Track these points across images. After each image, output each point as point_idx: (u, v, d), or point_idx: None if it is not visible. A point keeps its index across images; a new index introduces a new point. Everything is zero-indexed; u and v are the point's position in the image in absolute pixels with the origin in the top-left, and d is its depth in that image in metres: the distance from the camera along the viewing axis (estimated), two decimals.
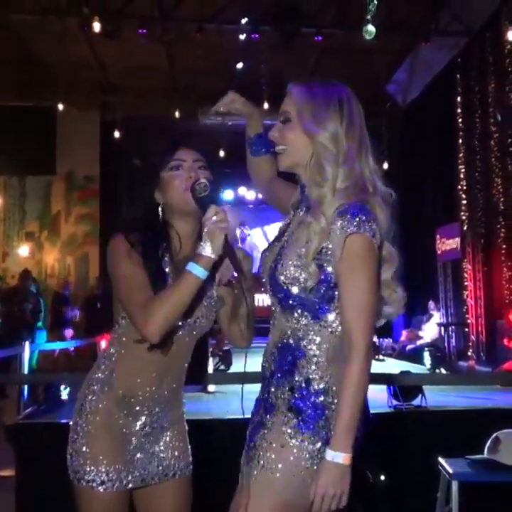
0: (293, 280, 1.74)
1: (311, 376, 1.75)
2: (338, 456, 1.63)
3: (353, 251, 1.67)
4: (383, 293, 1.80)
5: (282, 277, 1.75)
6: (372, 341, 1.72)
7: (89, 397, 1.93)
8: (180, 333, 1.93)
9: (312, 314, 1.76)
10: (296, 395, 1.75)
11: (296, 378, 1.76)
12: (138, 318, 1.79)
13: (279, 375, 1.78)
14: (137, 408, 1.91)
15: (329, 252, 1.71)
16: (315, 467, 1.69)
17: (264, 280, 1.88)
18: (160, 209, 1.97)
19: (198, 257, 1.77)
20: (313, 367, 1.75)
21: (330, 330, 1.76)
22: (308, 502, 1.70)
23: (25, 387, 5.66)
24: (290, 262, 1.75)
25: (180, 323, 1.90)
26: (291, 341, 1.78)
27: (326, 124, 1.75)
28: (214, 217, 1.75)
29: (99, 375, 1.94)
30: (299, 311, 1.76)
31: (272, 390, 1.79)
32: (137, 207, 2.03)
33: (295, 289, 1.74)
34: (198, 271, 1.76)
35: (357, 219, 1.67)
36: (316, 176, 1.77)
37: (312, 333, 1.76)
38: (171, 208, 1.96)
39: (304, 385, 1.75)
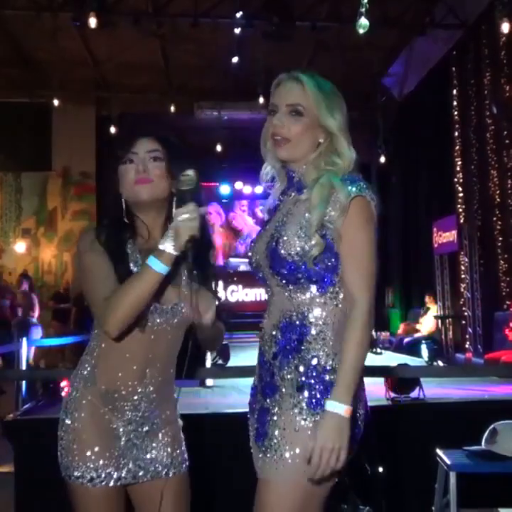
0: (299, 251, 1.75)
1: (318, 353, 1.75)
2: (340, 408, 1.65)
3: (357, 212, 1.74)
4: None
5: (286, 249, 1.76)
6: (374, 301, 1.74)
7: (74, 394, 1.91)
8: (158, 320, 1.89)
9: (317, 286, 1.77)
10: (305, 374, 1.74)
11: (304, 356, 1.75)
12: (97, 314, 1.80)
13: (283, 356, 1.77)
14: (121, 403, 1.88)
15: (331, 221, 1.74)
16: None
17: (256, 265, 1.89)
18: (124, 201, 1.96)
19: (159, 251, 1.75)
20: (321, 343, 1.75)
21: (335, 303, 1.77)
22: (328, 484, 1.72)
23: (24, 383, 5.66)
24: (293, 235, 1.77)
25: (157, 311, 1.88)
26: (295, 319, 1.78)
27: (337, 116, 1.83)
28: (184, 215, 1.72)
29: (82, 371, 1.92)
30: (305, 284, 1.77)
31: (276, 371, 1.78)
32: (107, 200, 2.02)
33: (301, 260, 1.75)
34: (157, 266, 1.74)
35: (358, 184, 1.76)
36: (328, 161, 1.82)
37: (318, 307, 1.77)
38: (126, 200, 1.95)
39: (312, 362, 1.74)
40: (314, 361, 1.74)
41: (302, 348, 1.76)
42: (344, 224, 1.73)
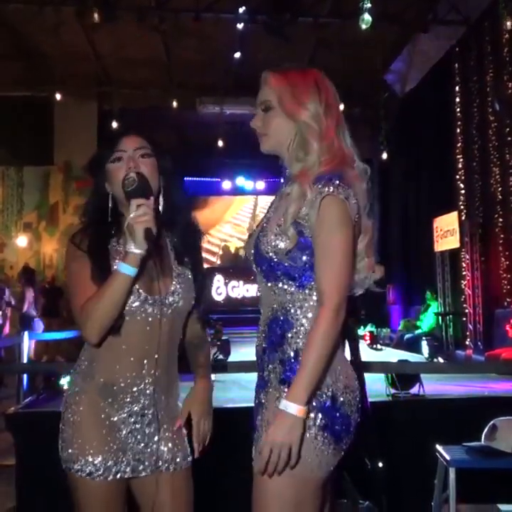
0: (274, 248, 1.78)
1: (299, 347, 1.77)
2: (291, 407, 1.66)
3: (327, 212, 1.73)
4: (357, 263, 1.86)
5: (264, 247, 1.80)
6: (345, 303, 1.72)
7: (73, 388, 1.93)
8: (151, 312, 1.91)
9: (297, 283, 1.80)
10: (287, 368, 1.77)
11: (286, 350, 1.78)
12: (77, 321, 1.84)
13: (270, 351, 1.82)
14: (121, 396, 1.90)
15: (306, 218, 1.75)
16: (315, 436, 1.72)
17: (248, 262, 1.92)
18: (110, 199, 1.97)
19: (125, 254, 1.79)
20: (301, 337, 1.77)
21: (314, 298, 1.78)
22: (320, 473, 1.74)
23: (25, 376, 5.68)
24: (271, 232, 1.80)
25: (149, 302, 1.90)
26: (279, 314, 1.81)
27: (307, 104, 1.82)
28: (132, 214, 1.77)
29: (80, 365, 1.95)
30: (284, 280, 1.80)
31: (265, 366, 1.83)
32: (91, 198, 2.01)
33: (277, 257, 1.78)
34: (124, 268, 1.78)
35: (330, 183, 1.74)
36: (299, 152, 1.83)
37: (298, 303, 1.80)
38: (117, 199, 1.96)
39: (292, 355, 1.77)
40: (294, 355, 1.77)
41: (284, 342, 1.79)
42: (316, 223, 1.73)
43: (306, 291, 1.80)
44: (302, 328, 1.78)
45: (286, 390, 1.74)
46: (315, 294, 1.78)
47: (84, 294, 1.83)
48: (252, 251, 1.86)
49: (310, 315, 1.79)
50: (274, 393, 1.78)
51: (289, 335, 1.79)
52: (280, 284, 1.81)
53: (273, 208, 1.90)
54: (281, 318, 1.81)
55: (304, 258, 1.78)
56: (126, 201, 1.83)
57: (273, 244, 1.78)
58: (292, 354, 1.77)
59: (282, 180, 1.97)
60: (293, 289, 1.80)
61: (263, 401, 1.82)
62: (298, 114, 1.82)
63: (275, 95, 1.85)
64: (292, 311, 1.80)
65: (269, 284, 1.83)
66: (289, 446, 1.65)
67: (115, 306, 1.82)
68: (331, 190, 1.73)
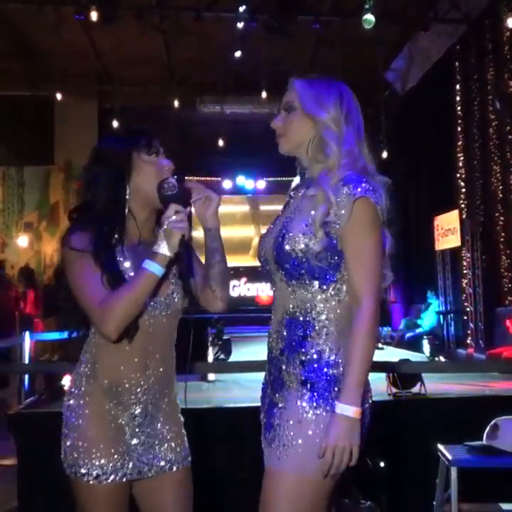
0: (303, 246, 1.78)
1: (321, 348, 1.78)
2: (348, 410, 1.69)
3: (361, 214, 1.76)
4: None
5: (291, 245, 1.80)
6: (379, 303, 1.76)
7: (76, 391, 1.92)
8: (154, 313, 1.93)
9: (320, 282, 1.80)
10: (308, 369, 1.78)
11: (308, 351, 1.79)
12: (95, 317, 1.81)
13: (289, 351, 1.81)
14: (125, 397, 1.89)
15: (335, 219, 1.76)
16: None
17: (263, 260, 1.92)
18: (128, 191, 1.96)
19: (154, 254, 1.80)
20: (324, 338, 1.79)
21: (337, 299, 1.81)
22: (336, 476, 1.73)
23: (26, 376, 5.68)
24: (298, 231, 1.80)
25: (151, 303, 1.91)
26: (299, 315, 1.81)
27: (328, 107, 1.84)
28: (173, 217, 1.79)
29: (83, 368, 1.94)
30: (307, 280, 1.80)
31: (283, 367, 1.82)
32: (102, 188, 1.94)
33: (304, 256, 1.78)
34: (154, 268, 1.79)
35: (362, 185, 1.77)
36: (318, 153, 1.85)
37: (320, 303, 1.80)
38: (137, 191, 1.96)
39: (315, 357, 1.78)
40: (317, 356, 1.78)
41: (306, 343, 1.79)
42: (348, 225, 1.75)
43: (330, 291, 1.81)
44: (324, 329, 1.79)
45: (304, 390, 1.76)
46: (338, 294, 1.80)
47: (99, 291, 1.81)
48: (272, 250, 1.86)
49: (332, 316, 1.80)
50: (295, 394, 1.78)
51: (311, 335, 1.79)
52: (302, 284, 1.81)
53: (292, 208, 1.90)
54: (301, 318, 1.81)
55: (329, 258, 1.79)
56: (161, 204, 1.85)
57: (302, 243, 1.78)
58: (315, 356, 1.78)
59: (296, 179, 1.98)
60: (315, 288, 1.81)
61: (278, 401, 1.82)
62: (318, 114, 1.84)
63: (298, 97, 1.88)
64: (313, 311, 1.80)
65: (290, 283, 1.83)
66: (351, 449, 1.67)
67: (139, 304, 1.83)
68: (362, 192, 1.76)
